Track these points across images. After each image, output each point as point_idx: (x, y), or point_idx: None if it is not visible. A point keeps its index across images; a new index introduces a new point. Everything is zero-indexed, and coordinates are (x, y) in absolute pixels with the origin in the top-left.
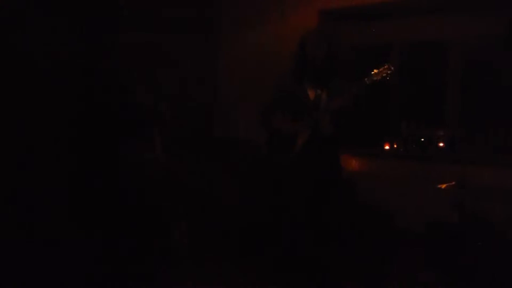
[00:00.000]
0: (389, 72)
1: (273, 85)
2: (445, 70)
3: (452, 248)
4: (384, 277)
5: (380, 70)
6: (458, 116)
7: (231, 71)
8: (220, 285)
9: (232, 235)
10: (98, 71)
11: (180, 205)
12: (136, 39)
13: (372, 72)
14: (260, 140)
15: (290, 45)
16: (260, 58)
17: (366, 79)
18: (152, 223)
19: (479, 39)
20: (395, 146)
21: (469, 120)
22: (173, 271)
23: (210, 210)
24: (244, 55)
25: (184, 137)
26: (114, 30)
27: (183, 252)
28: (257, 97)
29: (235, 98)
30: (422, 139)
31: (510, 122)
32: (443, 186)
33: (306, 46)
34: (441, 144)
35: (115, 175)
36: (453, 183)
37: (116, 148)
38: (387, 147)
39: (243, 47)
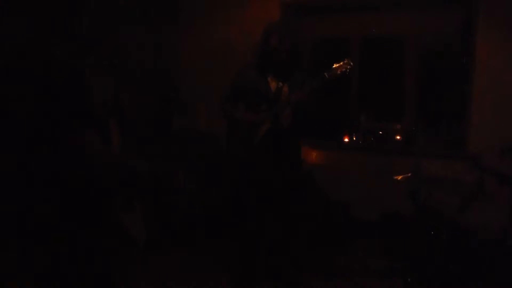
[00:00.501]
0: (348, 67)
1: (235, 77)
2: (402, 65)
3: (406, 237)
4: (339, 261)
5: (339, 64)
6: (415, 110)
7: (193, 62)
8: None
9: (192, 227)
10: (51, 60)
11: (135, 198)
12: (93, 25)
13: (332, 67)
14: (221, 131)
15: (251, 36)
16: (222, 49)
17: (326, 73)
18: (106, 217)
19: (435, 36)
20: (354, 138)
21: (425, 114)
22: (132, 265)
23: (168, 203)
24: (207, 47)
25: (144, 128)
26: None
27: (141, 245)
28: (219, 89)
29: (197, 90)
30: (380, 132)
31: (462, 116)
32: (399, 177)
33: (270, 38)
34: (398, 137)
35: (65, 167)
36: (409, 174)
37: (68, 139)
38: (346, 140)
39: (205, 39)
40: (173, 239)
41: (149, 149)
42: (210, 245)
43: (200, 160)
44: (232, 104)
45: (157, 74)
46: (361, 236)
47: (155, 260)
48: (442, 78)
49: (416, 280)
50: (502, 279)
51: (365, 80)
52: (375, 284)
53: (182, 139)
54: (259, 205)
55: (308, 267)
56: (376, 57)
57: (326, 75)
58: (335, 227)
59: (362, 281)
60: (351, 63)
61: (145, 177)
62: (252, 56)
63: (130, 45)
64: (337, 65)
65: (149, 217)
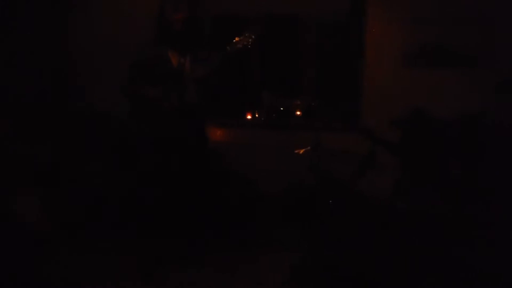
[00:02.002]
0: (249, 40)
1: (136, 52)
2: (300, 42)
3: (308, 207)
4: (247, 236)
5: (241, 38)
6: (313, 86)
7: (89, 41)
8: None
9: (98, 210)
10: None
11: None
12: None
13: (234, 41)
14: (119, 110)
15: (152, 12)
16: (120, 24)
17: (228, 47)
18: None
19: (331, 13)
20: (256, 116)
21: (323, 89)
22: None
23: (71, 188)
24: (103, 25)
25: (37, 111)
26: None
27: (41, 233)
28: (118, 68)
29: (94, 70)
30: (282, 109)
31: (356, 91)
32: (301, 151)
33: (164, 10)
34: (298, 113)
35: None
36: (309, 148)
37: None
38: (249, 117)
39: (101, 17)
40: (77, 229)
41: (43, 132)
42: (116, 234)
43: (101, 142)
44: (135, 82)
45: (50, 57)
46: (268, 210)
47: (57, 254)
48: (338, 55)
49: (314, 247)
50: (394, 240)
51: (266, 57)
52: (278, 255)
53: (79, 121)
54: (164, 186)
55: (214, 243)
56: (276, 34)
57: (228, 48)
58: (242, 202)
59: (266, 252)
60: (252, 37)
61: (38, 161)
62: (153, 31)
63: (20, 26)
64: (238, 39)
65: (51, 204)
